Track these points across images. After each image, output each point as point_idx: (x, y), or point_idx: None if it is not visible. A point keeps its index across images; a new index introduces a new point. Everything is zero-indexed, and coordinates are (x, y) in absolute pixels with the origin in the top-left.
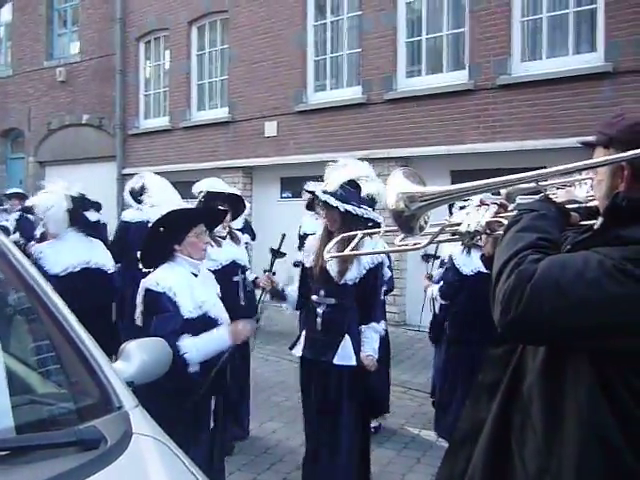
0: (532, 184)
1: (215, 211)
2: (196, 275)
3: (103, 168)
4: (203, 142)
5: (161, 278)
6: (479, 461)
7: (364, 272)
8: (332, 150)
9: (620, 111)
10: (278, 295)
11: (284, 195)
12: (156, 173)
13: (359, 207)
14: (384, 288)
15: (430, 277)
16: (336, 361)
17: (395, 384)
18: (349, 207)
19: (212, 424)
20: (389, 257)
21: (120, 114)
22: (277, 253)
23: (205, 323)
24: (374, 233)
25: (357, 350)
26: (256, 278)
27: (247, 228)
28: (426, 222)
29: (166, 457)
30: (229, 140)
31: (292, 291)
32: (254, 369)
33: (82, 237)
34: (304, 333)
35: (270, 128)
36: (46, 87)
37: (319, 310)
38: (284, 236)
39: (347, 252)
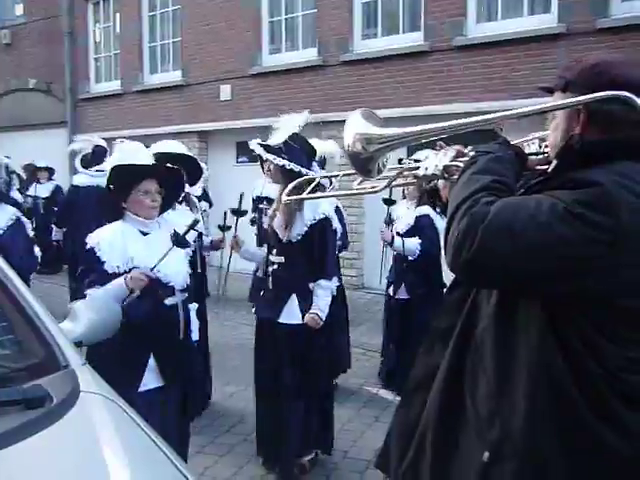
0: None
1: (164, 168)
2: (145, 234)
3: (54, 134)
4: (157, 106)
5: (95, 234)
6: (433, 406)
7: (306, 229)
8: (288, 113)
9: None
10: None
11: (240, 160)
12: (108, 138)
13: (296, 162)
14: (338, 244)
15: (390, 222)
16: (281, 319)
17: (354, 345)
18: (281, 161)
19: (155, 383)
20: (342, 214)
21: (69, 78)
22: (238, 212)
23: None
24: (333, 176)
25: (304, 308)
26: (212, 241)
27: (205, 195)
28: (384, 165)
29: (115, 414)
30: (183, 104)
31: (258, 250)
32: (212, 334)
33: None
34: (261, 293)
35: (225, 92)
36: None
37: (270, 269)
38: (242, 195)
39: (304, 195)
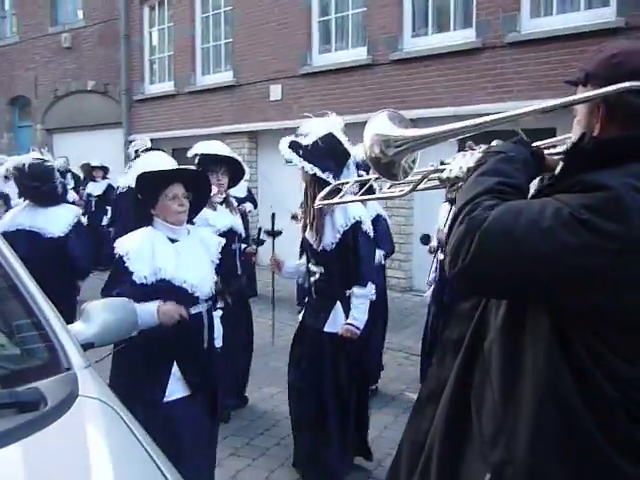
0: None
1: (189, 171)
2: (173, 240)
3: (109, 134)
4: (208, 107)
5: (125, 241)
6: (440, 420)
7: (339, 236)
8: (337, 113)
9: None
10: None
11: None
12: (161, 139)
13: (314, 163)
14: (381, 252)
15: (434, 250)
16: (326, 328)
17: (397, 349)
18: (303, 164)
19: (182, 393)
20: (385, 219)
21: (125, 80)
22: (274, 233)
23: (165, 291)
24: (364, 180)
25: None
26: (245, 248)
27: (249, 196)
28: (411, 167)
29: (109, 420)
30: (234, 104)
31: (298, 264)
32: (257, 335)
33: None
34: (306, 299)
35: (275, 92)
36: (51, 53)
37: (312, 279)
38: (274, 215)
39: (335, 200)
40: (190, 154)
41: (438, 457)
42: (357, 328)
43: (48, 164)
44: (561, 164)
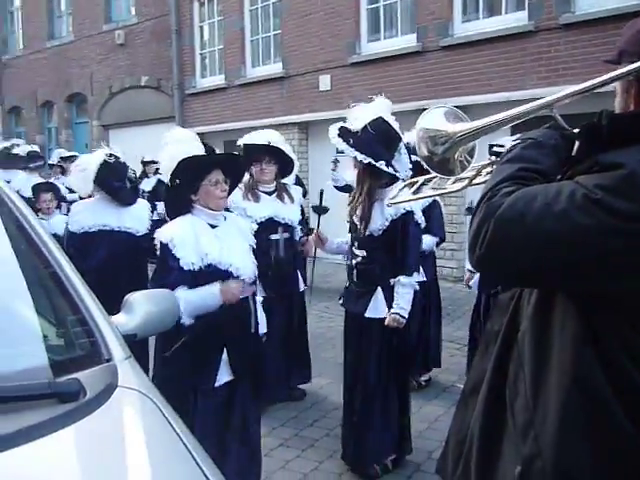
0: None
1: (229, 156)
2: (213, 226)
3: (163, 129)
4: (258, 99)
5: (167, 229)
6: (478, 412)
7: (387, 223)
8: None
9: None
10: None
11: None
12: (213, 132)
13: (365, 152)
14: (434, 238)
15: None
16: (367, 314)
17: (449, 340)
18: (359, 155)
19: (228, 377)
20: (439, 206)
21: (177, 74)
22: (320, 209)
23: (213, 275)
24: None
25: (391, 303)
26: (300, 237)
27: (298, 183)
28: (468, 160)
29: (147, 411)
30: (284, 96)
31: (341, 242)
32: (308, 325)
33: (108, 201)
34: (346, 284)
35: (324, 82)
36: (106, 51)
37: (354, 262)
38: (322, 192)
39: (407, 197)
40: (239, 143)
41: (477, 449)
42: (403, 317)
43: (123, 161)
44: (577, 144)
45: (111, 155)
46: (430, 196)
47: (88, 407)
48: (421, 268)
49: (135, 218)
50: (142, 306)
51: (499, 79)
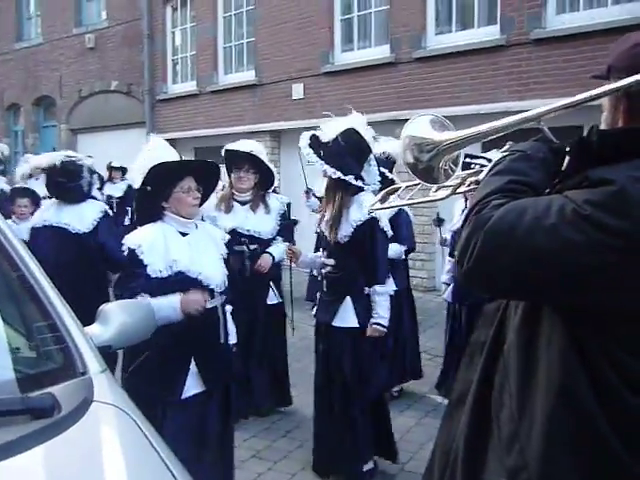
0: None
1: (202, 163)
2: (184, 234)
3: (133, 134)
4: (230, 106)
5: (136, 235)
6: (464, 424)
7: (352, 230)
8: (360, 112)
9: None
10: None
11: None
12: (183, 138)
13: (334, 165)
14: (402, 247)
15: (444, 241)
16: (334, 323)
17: (421, 350)
18: (329, 168)
19: (197, 389)
20: (407, 214)
21: (148, 80)
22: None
23: (181, 284)
24: (415, 184)
25: (359, 312)
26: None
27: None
28: (452, 169)
29: (124, 426)
30: (256, 104)
31: (315, 256)
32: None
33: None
34: (318, 295)
35: (297, 90)
36: (76, 54)
37: (323, 271)
38: (289, 204)
39: (385, 205)
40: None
41: (462, 460)
42: (383, 326)
43: (78, 162)
44: (567, 159)
45: (68, 156)
46: (411, 204)
47: (63, 423)
48: (392, 278)
49: (76, 216)
50: (117, 317)
51: (470, 92)
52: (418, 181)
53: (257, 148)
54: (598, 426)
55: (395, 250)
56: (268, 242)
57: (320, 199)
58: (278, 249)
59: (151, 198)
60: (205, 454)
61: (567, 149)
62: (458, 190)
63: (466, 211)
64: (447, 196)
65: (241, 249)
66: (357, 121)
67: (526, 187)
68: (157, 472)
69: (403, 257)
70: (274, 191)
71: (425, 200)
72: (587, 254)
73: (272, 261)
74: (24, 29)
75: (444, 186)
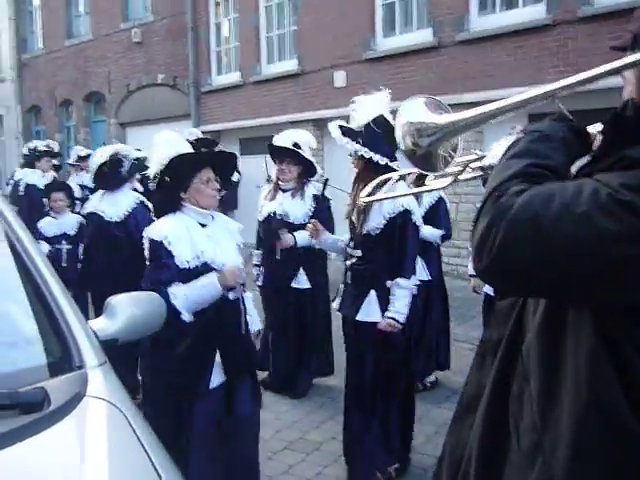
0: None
1: (220, 153)
2: (204, 225)
3: (179, 127)
4: (273, 96)
5: (159, 227)
6: (477, 432)
7: (384, 222)
8: (403, 98)
9: None
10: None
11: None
12: (228, 129)
13: (373, 149)
14: (439, 231)
15: None
16: (359, 317)
17: (462, 340)
18: (357, 147)
19: (221, 379)
20: (445, 203)
21: (193, 72)
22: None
23: (206, 274)
24: (409, 174)
25: (384, 306)
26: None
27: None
28: (451, 156)
29: (114, 423)
30: (299, 93)
31: (337, 239)
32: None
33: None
34: (341, 287)
35: (339, 78)
36: (123, 49)
37: (348, 262)
38: (326, 181)
39: (380, 195)
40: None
41: (476, 471)
42: (398, 322)
43: (122, 153)
44: (600, 137)
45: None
46: (407, 194)
47: (51, 418)
48: (424, 265)
49: (112, 205)
50: (125, 309)
51: (516, 74)
52: (411, 171)
53: (302, 139)
54: (634, 437)
55: (432, 233)
56: (298, 227)
57: None
58: (303, 234)
59: (170, 189)
60: (231, 444)
61: (599, 127)
62: (460, 177)
63: (483, 199)
64: (447, 185)
65: (275, 230)
66: (381, 101)
67: (548, 171)
68: (140, 468)
69: (439, 242)
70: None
71: (423, 190)
72: (626, 244)
73: (294, 243)
74: (73, 27)
75: (443, 174)
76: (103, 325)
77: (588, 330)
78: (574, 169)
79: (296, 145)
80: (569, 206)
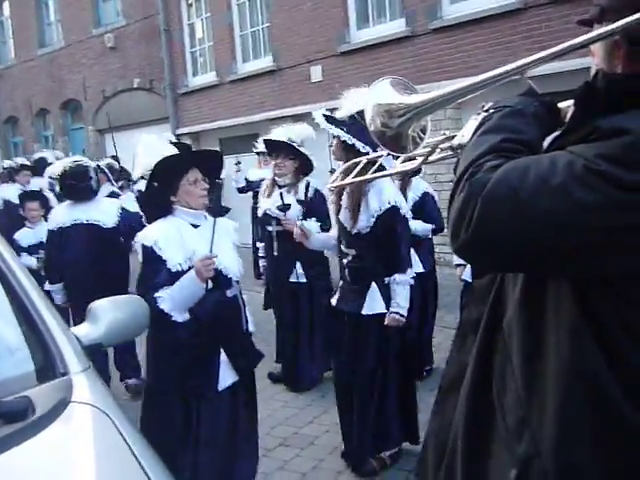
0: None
1: (204, 152)
2: (196, 226)
3: (158, 130)
4: (251, 94)
5: (150, 232)
6: (461, 413)
7: (373, 220)
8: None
9: None
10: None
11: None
12: (208, 130)
13: (357, 138)
14: (429, 226)
15: None
16: (364, 311)
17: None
18: (340, 133)
19: (232, 378)
20: (432, 197)
21: (169, 74)
22: (284, 208)
23: None
24: (377, 157)
25: (386, 298)
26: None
27: None
28: (421, 137)
29: (100, 427)
30: (276, 89)
31: (329, 236)
32: None
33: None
34: (340, 283)
35: (315, 73)
36: (97, 55)
37: (344, 261)
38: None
39: (348, 180)
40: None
41: (462, 451)
42: (402, 316)
43: (85, 165)
44: (571, 109)
45: (75, 161)
46: (376, 177)
47: (36, 426)
48: (417, 258)
49: (103, 213)
50: (107, 314)
51: (490, 59)
52: (379, 154)
53: (299, 133)
54: (617, 405)
55: (423, 227)
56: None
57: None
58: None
59: (159, 193)
60: (236, 443)
61: (570, 103)
62: (430, 158)
63: (456, 176)
64: (417, 166)
65: (270, 229)
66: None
67: (521, 145)
68: (129, 472)
69: (430, 236)
70: None
71: (393, 172)
72: (603, 214)
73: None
74: (46, 35)
75: (413, 155)
76: (87, 331)
77: (568, 302)
78: (546, 143)
79: (291, 140)
80: (545, 178)
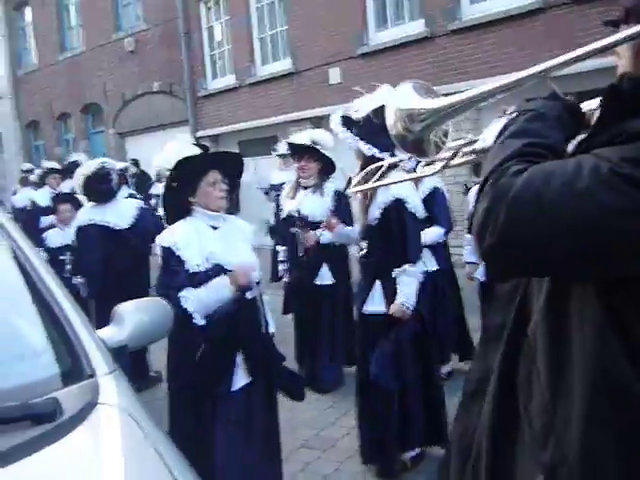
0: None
1: (224, 154)
2: (215, 228)
3: (178, 133)
4: (270, 96)
5: (169, 233)
6: (486, 417)
7: (380, 212)
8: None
9: None
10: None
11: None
12: (227, 133)
13: (369, 142)
14: (441, 231)
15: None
16: (365, 309)
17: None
18: (352, 139)
19: (244, 380)
20: (443, 193)
21: (188, 77)
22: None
23: (218, 276)
24: (399, 162)
25: (389, 296)
26: None
27: None
28: (443, 141)
29: (128, 430)
30: (294, 92)
31: (352, 230)
32: None
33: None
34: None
35: (334, 75)
36: (117, 59)
37: (357, 255)
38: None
39: (370, 184)
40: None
41: (487, 457)
42: (408, 307)
43: (107, 167)
44: (597, 112)
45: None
46: (397, 182)
47: (64, 428)
48: (432, 255)
49: (117, 215)
50: (132, 316)
51: (509, 60)
52: (401, 158)
53: (319, 137)
54: None
55: (436, 234)
56: (319, 224)
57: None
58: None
59: (178, 194)
60: (253, 445)
61: (592, 105)
62: (451, 163)
63: (480, 180)
64: (438, 170)
65: (294, 231)
66: (387, 94)
67: (545, 150)
68: (157, 475)
69: (444, 239)
70: None
71: (414, 177)
72: (628, 218)
73: (318, 240)
74: (67, 39)
75: (434, 160)
76: (112, 333)
77: (593, 305)
78: (571, 147)
79: (314, 143)
80: (570, 182)
